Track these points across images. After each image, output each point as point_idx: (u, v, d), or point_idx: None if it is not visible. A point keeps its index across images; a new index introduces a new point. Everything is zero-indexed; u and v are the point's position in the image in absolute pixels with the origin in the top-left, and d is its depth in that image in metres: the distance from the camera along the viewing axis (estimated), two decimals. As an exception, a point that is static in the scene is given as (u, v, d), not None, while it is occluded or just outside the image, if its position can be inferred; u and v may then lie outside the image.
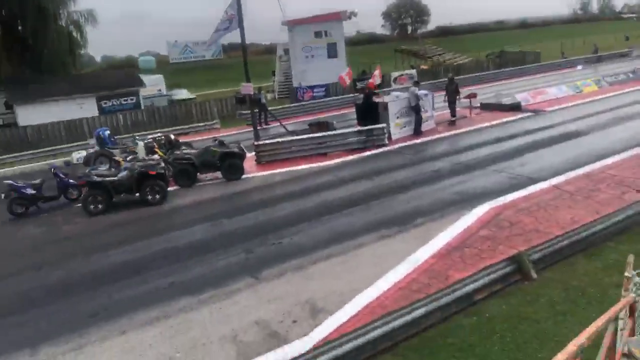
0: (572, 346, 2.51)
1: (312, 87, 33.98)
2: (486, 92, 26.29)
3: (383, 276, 7.64)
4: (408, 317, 5.96)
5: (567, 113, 20.08)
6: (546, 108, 21.47)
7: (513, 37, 73.55)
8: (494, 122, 19.53)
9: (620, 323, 3.73)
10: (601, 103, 21.49)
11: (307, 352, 5.40)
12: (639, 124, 16.74)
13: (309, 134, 18.33)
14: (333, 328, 6.35)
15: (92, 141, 19.74)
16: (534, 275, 7.01)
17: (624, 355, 3.71)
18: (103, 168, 14.23)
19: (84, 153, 19.12)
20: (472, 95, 21.62)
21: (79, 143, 24.42)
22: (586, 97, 23.32)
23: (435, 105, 20.00)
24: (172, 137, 17.35)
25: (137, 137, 18.96)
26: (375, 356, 5.63)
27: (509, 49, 50.01)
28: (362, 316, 6.55)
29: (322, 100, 31.87)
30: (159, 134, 19.95)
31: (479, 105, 22.53)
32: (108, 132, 19.19)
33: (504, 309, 6.36)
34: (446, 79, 21.77)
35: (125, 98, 32.52)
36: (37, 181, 14.06)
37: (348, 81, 23.60)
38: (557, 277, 7.02)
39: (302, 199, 12.60)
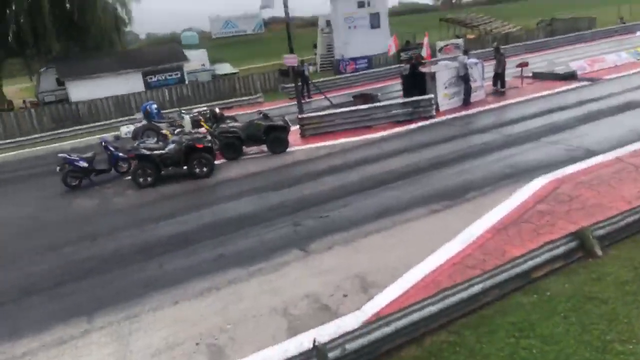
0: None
1: (354, 59, 33.36)
2: (538, 61, 25.02)
3: (435, 252, 7.40)
4: (464, 294, 5.72)
5: (628, 81, 18.83)
6: (604, 76, 20.20)
7: (565, 3, 69.50)
8: (547, 92, 18.56)
9: None
10: (666, 70, 20.04)
11: (361, 327, 5.27)
12: None
13: (353, 106, 17.98)
14: (385, 303, 6.20)
15: (139, 115, 20.08)
16: (599, 252, 6.61)
17: None
18: (151, 141, 14.43)
19: (132, 127, 19.51)
20: (523, 65, 20.61)
21: (127, 117, 24.96)
22: (649, 65, 21.78)
23: (485, 75, 19.16)
24: (218, 110, 17.37)
25: (184, 111, 19.12)
26: (430, 333, 5.46)
27: (561, 15, 47.31)
28: (414, 292, 6.37)
29: (365, 72, 31.24)
30: (204, 108, 20.07)
31: (530, 74, 21.47)
32: (155, 106, 19.44)
33: (567, 287, 6.01)
34: (496, 52, 20.53)
35: (170, 73, 32.93)
36: (90, 154, 14.45)
37: (394, 50, 22.96)
38: (625, 254, 6.58)
39: (348, 172, 12.39)
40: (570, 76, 20.39)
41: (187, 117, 17.00)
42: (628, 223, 7.17)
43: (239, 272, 7.80)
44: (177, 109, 23.04)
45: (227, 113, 19.89)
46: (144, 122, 18.72)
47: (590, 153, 11.15)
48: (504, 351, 5.05)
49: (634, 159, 10.28)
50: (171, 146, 13.46)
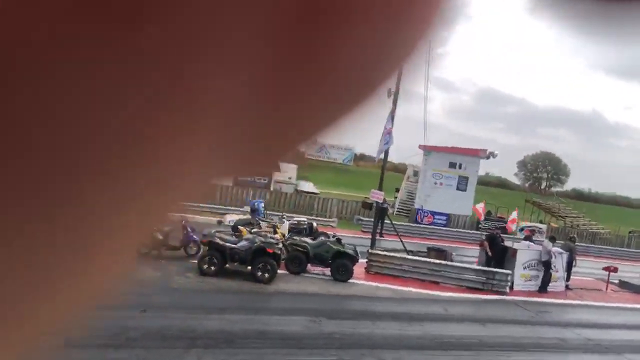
0: None
1: (433, 213, 33.52)
2: (626, 271, 23.68)
3: None
4: None
5: None
6: None
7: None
8: (635, 305, 17.24)
9: None
10: None
11: None
12: None
13: (426, 257, 17.66)
14: None
15: (247, 208, 20.43)
16: None
17: None
18: (226, 233, 14.78)
19: (235, 218, 19.44)
20: (612, 269, 19.55)
21: (235, 207, 24.96)
22: None
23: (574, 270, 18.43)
24: (315, 225, 17.67)
25: (285, 216, 19.44)
26: None
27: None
28: None
29: (441, 227, 31.15)
30: (303, 219, 20.52)
31: (617, 282, 20.25)
32: (263, 204, 19.91)
33: None
34: (570, 241, 20.18)
35: (260, 177, 34.70)
36: (167, 228, 15.00)
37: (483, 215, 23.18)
38: None
39: (406, 324, 11.78)
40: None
41: (286, 223, 17.45)
42: None
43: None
44: (281, 213, 22.90)
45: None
46: (249, 216, 18.92)
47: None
48: None
49: None
50: (243, 243, 13.70)
